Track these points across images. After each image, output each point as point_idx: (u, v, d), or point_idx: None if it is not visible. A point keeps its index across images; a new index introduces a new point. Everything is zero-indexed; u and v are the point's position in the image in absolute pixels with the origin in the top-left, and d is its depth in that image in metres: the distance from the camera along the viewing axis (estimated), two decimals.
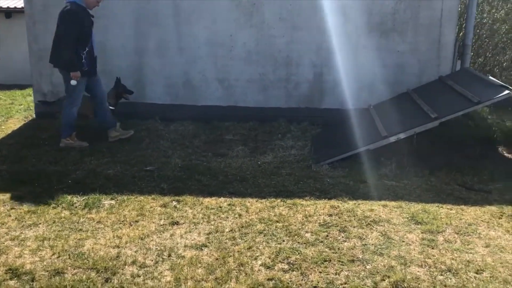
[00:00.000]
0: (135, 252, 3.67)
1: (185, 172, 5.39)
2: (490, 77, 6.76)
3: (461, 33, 8.52)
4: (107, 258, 3.56)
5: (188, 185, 5.02)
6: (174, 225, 4.14)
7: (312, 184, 5.10)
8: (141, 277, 3.34)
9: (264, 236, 3.94)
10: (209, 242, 3.83)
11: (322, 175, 5.37)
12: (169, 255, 3.63)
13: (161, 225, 4.13)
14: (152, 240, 3.86)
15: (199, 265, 3.49)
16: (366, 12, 7.30)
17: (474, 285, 3.23)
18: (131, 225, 4.12)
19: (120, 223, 4.16)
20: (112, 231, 4.01)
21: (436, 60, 7.34)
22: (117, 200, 4.62)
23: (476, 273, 3.40)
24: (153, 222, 4.18)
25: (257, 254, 3.64)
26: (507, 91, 5.43)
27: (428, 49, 7.33)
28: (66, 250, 3.68)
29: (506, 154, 6.21)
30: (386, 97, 7.34)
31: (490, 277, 3.35)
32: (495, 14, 9.23)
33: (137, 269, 3.44)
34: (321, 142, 6.60)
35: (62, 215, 4.30)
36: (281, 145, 6.46)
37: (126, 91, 6.99)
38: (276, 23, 7.44)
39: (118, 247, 3.74)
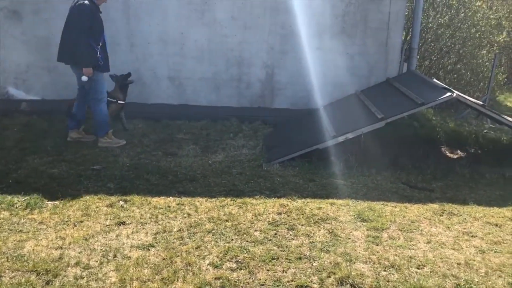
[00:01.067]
0: (78, 253, 3.56)
1: (134, 171, 5.28)
2: (434, 80, 7.03)
3: (408, 36, 8.80)
4: (49, 260, 3.43)
5: (136, 185, 4.92)
6: (120, 225, 4.04)
7: (262, 183, 5.13)
8: (85, 278, 3.24)
9: (213, 235, 3.92)
10: (156, 242, 3.77)
11: (272, 174, 5.40)
12: (115, 256, 3.54)
13: (106, 225, 4.03)
14: (97, 241, 3.75)
15: (146, 265, 3.43)
16: (317, 14, 7.41)
17: (415, 280, 3.34)
18: (75, 226, 3.99)
19: (64, 224, 4.02)
20: (55, 232, 3.87)
21: (384, 63, 7.55)
22: (61, 200, 4.46)
23: (418, 268, 3.52)
24: (99, 223, 4.06)
25: (205, 254, 3.61)
26: (449, 93, 5.66)
27: (376, 52, 7.53)
28: (4, 253, 3.51)
29: (448, 154, 6.47)
30: (336, 98, 7.48)
31: (430, 272, 3.47)
32: (440, 19, 9.59)
33: (80, 270, 3.33)
34: (273, 141, 6.65)
35: (1, 216, 4.11)
36: (233, 145, 6.46)
37: (124, 78, 6.72)
38: (228, 22, 7.43)
39: (61, 248, 3.62)
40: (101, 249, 3.62)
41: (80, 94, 6.15)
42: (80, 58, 5.73)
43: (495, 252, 3.81)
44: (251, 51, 7.56)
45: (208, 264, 3.47)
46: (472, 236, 4.07)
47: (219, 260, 3.52)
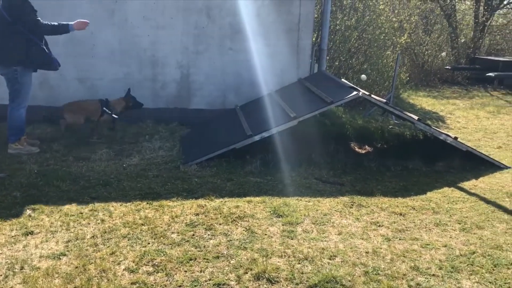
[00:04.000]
0: None
1: (42, 178, 5.01)
2: (343, 80, 7.38)
3: (318, 38, 9.16)
4: None
5: (45, 192, 4.68)
6: (28, 235, 3.83)
7: (179, 185, 5.09)
8: None
9: (128, 240, 3.84)
10: (68, 251, 3.62)
11: (190, 176, 5.39)
12: (22, 268, 3.35)
13: (12, 236, 3.79)
14: (1, 253, 3.53)
15: (56, 275, 3.28)
16: (230, 14, 7.49)
17: (327, 270, 3.50)
18: None
19: None
20: None
21: (296, 63, 7.81)
22: None
23: (330, 259, 3.69)
24: (3, 234, 3.82)
25: (120, 259, 3.53)
26: (355, 92, 5.98)
27: (288, 53, 7.76)
28: None
29: (357, 149, 6.83)
30: (251, 97, 7.61)
31: (341, 261, 3.65)
32: (347, 21, 10.08)
33: None
34: (190, 142, 6.63)
35: None
36: (149, 147, 6.34)
37: (136, 104, 6.74)
38: (140, 22, 7.29)
39: None
40: (6, 262, 3.41)
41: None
42: (18, 57, 5.53)
43: (399, 239, 4.09)
44: (165, 51, 7.48)
45: (123, 269, 3.39)
46: (379, 226, 4.34)
47: (135, 265, 3.46)
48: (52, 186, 4.83)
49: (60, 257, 3.52)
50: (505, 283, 3.44)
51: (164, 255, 3.61)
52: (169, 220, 4.22)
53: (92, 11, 7.11)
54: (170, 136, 6.92)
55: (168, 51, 7.49)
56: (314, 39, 8.75)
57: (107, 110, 6.46)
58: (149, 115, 7.44)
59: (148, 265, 3.47)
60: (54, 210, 4.29)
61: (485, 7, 15.81)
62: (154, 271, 3.40)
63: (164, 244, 3.79)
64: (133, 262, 3.49)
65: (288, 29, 7.68)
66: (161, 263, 3.50)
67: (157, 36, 7.40)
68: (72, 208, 4.36)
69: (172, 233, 3.99)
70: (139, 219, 4.21)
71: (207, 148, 6.03)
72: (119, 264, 3.47)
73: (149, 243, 3.79)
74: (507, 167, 6.19)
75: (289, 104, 6.42)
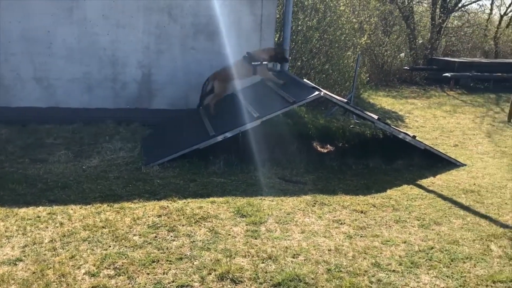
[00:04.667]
0: None
1: None
2: (305, 80, 7.45)
3: (281, 38, 9.21)
4: None
5: (0, 196, 4.51)
6: None
7: (141, 186, 5.01)
8: None
9: (88, 243, 3.75)
10: (25, 256, 3.50)
11: (152, 177, 5.31)
12: None
13: None
14: None
15: (12, 281, 3.16)
16: (191, 14, 7.44)
17: (291, 269, 3.52)
18: None
19: None
20: None
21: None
22: None
23: (293, 257, 3.72)
24: None
25: (80, 263, 3.44)
26: (317, 92, 6.05)
27: None
28: None
29: (319, 148, 6.91)
30: None
31: (304, 260, 3.69)
32: (309, 22, 10.20)
33: None
34: (152, 143, 6.53)
35: None
36: (109, 148, 6.21)
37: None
38: (100, 20, 7.14)
39: None
40: None
41: None
42: None
43: (360, 236, 4.17)
44: (125, 51, 7.35)
45: (84, 274, 3.31)
46: (341, 224, 4.40)
47: (96, 268, 3.38)
48: (7, 190, 4.66)
49: (16, 262, 3.40)
50: (461, 277, 3.56)
51: (125, 258, 3.54)
52: (131, 222, 4.14)
53: (49, 8, 6.90)
54: (132, 136, 6.80)
55: (129, 50, 7.36)
56: (276, 39, 8.79)
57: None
58: (109, 115, 7.29)
59: (110, 269, 3.40)
60: (9, 214, 4.14)
61: (441, 9, 16.33)
62: (116, 275, 3.33)
63: (126, 246, 3.72)
64: (94, 266, 3.41)
65: (250, 29, 7.69)
66: (122, 266, 3.43)
67: (117, 35, 7.26)
68: (28, 211, 4.22)
69: (134, 235, 3.92)
70: (100, 221, 4.12)
71: (170, 148, 5.96)
72: (79, 268, 3.38)
73: (110, 246, 3.71)
74: (463, 165, 6.41)
75: (252, 104, 6.43)
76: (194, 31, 7.51)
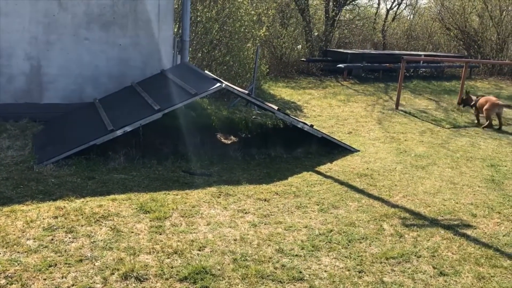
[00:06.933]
0: None
1: None
2: (206, 71, 7.43)
3: (180, 29, 9.07)
4: None
5: None
6: None
7: (34, 187, 4.69)
8: None
9: None
10: None
11: (46, 176, 4.98)
12: None
13: None
14: None
15: None
16: (83, 3, 7.04)
17: (197, 262, 3.51)
18: None
19: None
20: None
21: (157, 54, 7.64)
22: None
23: (199, 250, 3.71)
24: None
25: None
26: (218, 84, 6.05)
27: (149, 43, 7.56)
28: None
29: (223, 140, 6.95)
30: (111, 90, 7.28)
31: (210, 251, 3.70)
32: (208, 13, 10.15)
33: None
34: (44, 140, 6.12)
35: None
36: None
37: None
38: None
39: None
40: None
41: None
42: None
43: (265, 224, 4.27)
44: (10, 41, 6.78)
45: None
46: (245, 213, 4.47)
47: None
48: None
49: None
50: (358, 256, 3.79)
51: (18, 264, 3.30)
52: (23, 226, 3.86)
53: None
54: (21, 134, 6.32)
55: (14, 41, 6.80)
56: (175, 30, 8.65)
57: None
58: None
59: (0, 278, 3.13)
60: None
61: (334, 3, 17.12)
62: (8, 283, 3.09)
63: (18, 252, 3.46)
64: None
65: (148, 19, 7.48)
66: (15, 273, 3.19)
67: (0, 24, 6.66)
68: None
69: (28, 239, 3.66)
70: None
71: (65, 145, 5.63)
72: None
73: (0, 253, 3.43)
74: (356, 150, 6.82)
75: (153, 97, 6.28)
76: (87, 20, 7.12)
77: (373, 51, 17.40)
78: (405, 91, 12.32)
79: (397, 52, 16.77)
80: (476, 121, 9.21)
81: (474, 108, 9.28)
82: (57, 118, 6.81)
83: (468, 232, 4.36)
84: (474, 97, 9.38)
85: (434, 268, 3.69)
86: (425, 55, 15.84)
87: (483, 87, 14.42)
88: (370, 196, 5.13)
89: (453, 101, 11.31)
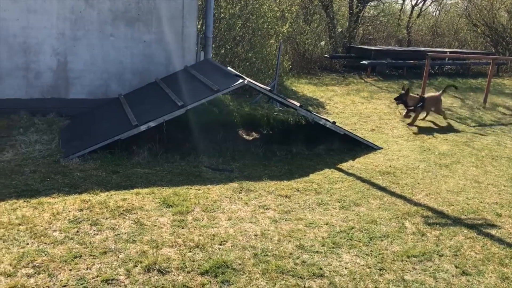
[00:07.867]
0: None
1: None
2: (229, 68, 7.46)
3: (204, 26, 9.13)
4: None
5: None
6: None
7: (60, 180, 4.80)
8: None
9: (3, 242, 3.54)
10: None
11: (72, 170, 5.10)
12: None
13: None
14: None
15: None
16: None
17: (218, 256, 3.55)
18: None
19: None
20: None
21: (181, 51, 7.72)
22: None
23: (220, 244, 3.75)
24: None
25: None
26: (241, 80, 6.08)
27: (173, 40, 7.63)
28: None
29: (244, 136, 6.98)
30: (135, 86, 7.39)
31: (231, 246, 3.73)
32: (231, 9, 10.19)
33: None
34: (70, 134, 6.25)
35: None
36: (24, 140, 5.87)
37: None
38: (8, 5, 6.67)
39: None
40: None
41: None
42: None
43: (285, 220, 4.28)
44: (38, 37, 6.93)
45: None
46: (266, 209, 4.50)
47: (13, 268, 3.21)
48: None
49: None
50: (379, 254, 3.78)
51: (45, 255, 3.39)
52: (50, 218, 3.96)
53: None
54: (48, 128, 6.47)
55: (42, 37, 6.95)
56: (199, 26, 8.71)
57: None
58: (22, 106, 6.88)
59: (28, 267, 3.24)
60: None
61: None
62: (35, 273, 3.18)
63: (45, 243, 3.56)
64: (10, 266, 3.23)
65: (172, 16, 7.55)
66: (42, 263, 3.28)
67: (28, 21, 6.82)
68: None
69: (54, 231, 3.76)
70: (16, 218, 3.90)
71: (90, 140, 5.75)
72: None
73: (28, 244, 3.53)
74: (379, 148, 6.77)
75: (176, 93, 6.34)
76: (112, 17, 7.23)
77: (397, 48, 17.17)
78: (430, 88, 12.13)
79: (422, 48, 16.52)
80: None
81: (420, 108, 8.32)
82: (83, 113, 6.95)
83: (493, 231, 4.30)
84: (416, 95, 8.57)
85: (456, 267, 3.65)
86: (450, 52, 15.56)
87: (510, 85, 14.11)
88: (392, 194, 5.09)
89: (479, 99, 11.10)
